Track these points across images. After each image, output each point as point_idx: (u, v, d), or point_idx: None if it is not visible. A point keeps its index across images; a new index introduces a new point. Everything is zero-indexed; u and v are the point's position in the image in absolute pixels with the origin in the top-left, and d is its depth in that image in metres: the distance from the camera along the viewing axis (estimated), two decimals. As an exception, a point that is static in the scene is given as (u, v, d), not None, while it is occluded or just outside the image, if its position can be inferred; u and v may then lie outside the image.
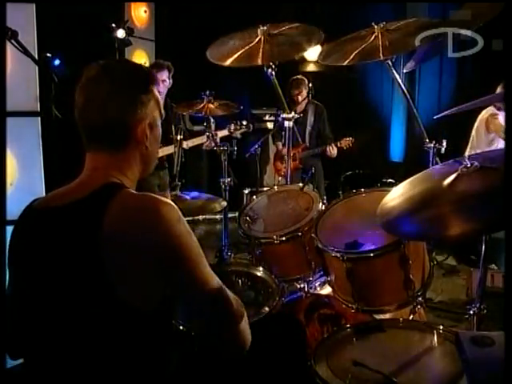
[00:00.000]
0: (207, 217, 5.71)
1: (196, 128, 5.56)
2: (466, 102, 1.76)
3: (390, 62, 2.37)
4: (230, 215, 3.64)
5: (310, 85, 5.30)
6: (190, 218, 5.47)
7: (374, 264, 1.95)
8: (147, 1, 5.92)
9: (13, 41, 2.14)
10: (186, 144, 3.94)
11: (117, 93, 1.26)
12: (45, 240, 1.24)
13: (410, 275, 1.94)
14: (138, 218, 1.18)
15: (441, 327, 1.72)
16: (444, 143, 2.40)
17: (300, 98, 5.01)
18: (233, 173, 3.72)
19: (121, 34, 5.09)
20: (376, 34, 2.37)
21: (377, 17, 2.63)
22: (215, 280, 1.26)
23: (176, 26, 6.09)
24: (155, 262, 1.17)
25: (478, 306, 1.88)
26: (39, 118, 3.00)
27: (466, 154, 3.21)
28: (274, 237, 2.29)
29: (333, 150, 4.88)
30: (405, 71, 3.33)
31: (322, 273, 2.27)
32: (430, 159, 2.40)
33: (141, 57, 5.85)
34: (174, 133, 3.11)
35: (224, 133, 3.95)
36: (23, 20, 2.84)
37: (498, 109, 3.44)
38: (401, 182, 1.81)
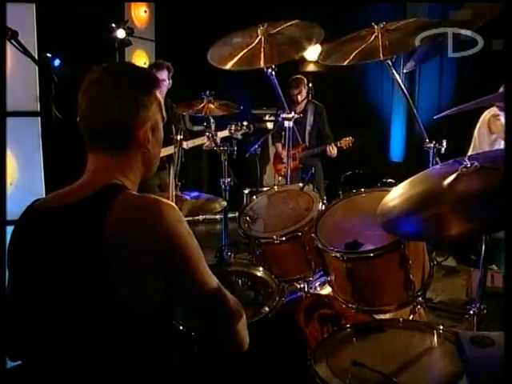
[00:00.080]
0: (207, 217, 5.71)
1: (196, 128, 5.56)
2: (466, 102, 1.76)
3: (389, 62, 2.37)
4: (230, 215, 3.65)
5: (310, 85, 5.30)
6: (190, 218, 5.48)
7: (374, 264, 1.95)
8: (147, 1, 5.92)
9: (13, 41, 2.14)
10: (186, 144, 3.94)
11: (119, 95, 1.27)
12: (45, 240, 1.24)
13: (410, 275, 1.94)
14: (140, 218, 1.19)
15: (441, 327, 1.72)
16: (444, 143, 2.41)
17: (300, 98, 5.01)
18: (233, 173, 3.73)
19: (121, 34, 5.09)
20: (376, 34, 2.37)
21: (377, 17, 2.63)
22: (214, 281, 1.27)
23: (176, 26, 6.09)
24: (156, 262, 1.18)
25: (477, 306, 1.88)
26: (39, 118, 3.00)
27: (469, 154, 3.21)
28: (274, 237, 2.29)
29: (333, 150, 4.88)
30: (405, 71, 3.34)
31: (322, 273, 2.27)
32: (430, 159, 2.40)
33: (141, 57, 5.85)
34: (174, 133, 3.11)
35: (225, 133, 3.95)
36: (23, 20, 2.84)
37: (502, 109, 3.44)
38: (401, 182, 1.81)
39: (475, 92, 2.15)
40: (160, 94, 1.38)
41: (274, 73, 2.72)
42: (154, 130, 1.33)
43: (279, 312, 1.96)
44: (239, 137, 3.86)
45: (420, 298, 2.04)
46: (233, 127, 3.84)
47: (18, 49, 2.18)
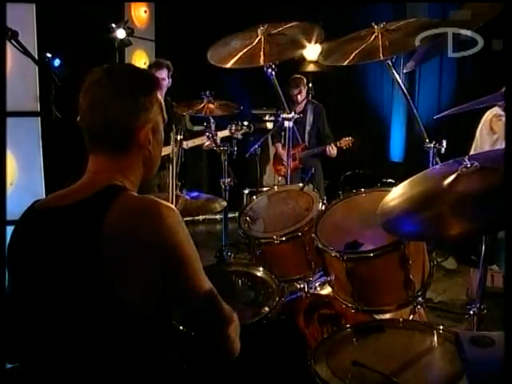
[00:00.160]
0: (207, 217, 5.71)
1: (196, 128, 5.56)
2: (465, 102, 1.76)
3: (389, 62, 2.37)
4: (230, 215, 3.65)
5: (310, 84, 5.30)
6: (190, 218, 5.48)
7: (374, 264, 1.95)
8: (147, 1, 5.92)
9: (13, 41, 2.14)
10: (186, 144, 3.94)
11: (120, 97, 1.27)
12: (45, 240, 1.24)
13: (410, 275, 1.94)
14: (139, 220, 1.19)
15: (441, 327, 1.72)
16: (444, 143, 2.40)
17: (300, 98, 5.01)
18: (233, 173, 3.72)
19: (121, 34, 5.09)
20: (376, 34, 2.36)
21: (377, 17, 2.63)
22: (209, 285, 1.27)
23: (176, 26, 6.09)
24: (154, 263, 1.18)
25: (477, 306, 1.88)
26: (39, 118, 3.01)
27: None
28: (274, 237, 2.29)
29: (332, 150, 4.88)
30: (405, 71, 3.34)
31: (322, 273, 2.27)
32: (430, 159, 2.40)
33: (141, 57, 5.85)
34: (174, 132, 3.11)
35: (225, 133, 3.94)
36: (23, 20, 2.84)
37: (504, 109, 3.44)
38: (401, 182, 1.81)
39: (475, 92, 2.16)
40: (160, 94, 1.38)
41: (274, 73, 2.72)
42: (154, 132, 1.33)
43: (279, 312, 1.96)
44: (239, 137, 3.86)
45: (420, 298, 2.04)
46: (233, 127, 3.83)
47: (17, 49, 2.18)
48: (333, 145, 4.88)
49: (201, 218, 5.73)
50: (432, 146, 2.40)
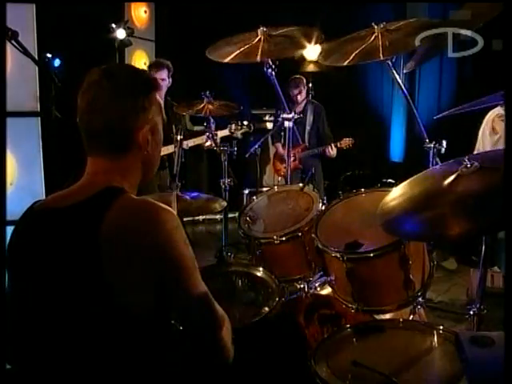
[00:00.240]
0: (207, 217, 5.71)
1: (196, 128, 5.56)
2: (466, 102, 1.76)
3: (390, 63, 2.37)
4: (230, 215, 3.65)
5: (310, 85, 5.30)
6: (190, 218, 5.49)
7: (374, 264, 1.95)
8: (147, 1, 5.92)
9: (13, 41, 2.14)
10: (186, 144, 3.94)
11: (118, 98, 1.26)
12: (45, 241, 1.24)
13: (410, 275, 1.94)
14: (138, 222, 1.19)
15: (441, 327, 1.72)
16: (444, 143, 2.40)
17: (300, 98, 5.01)
18: (233, 173, 3.73)
19: (121, 34, 5.09)
20: (376, 34, 2.36)
21: (377, 17, 2.63)
22: (203, 287, 1.27)
23: (176, 26, 6.09)
24: (152, 265, 1.18)
25: (478, 306, 1.88)
26: (39, 118, 3.01)
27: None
28: (274, 237, 2.29)
29: (332, 151, 4.89)
30: (405, 71, 3.33)
31: (321, 273, 2.27)
32: (430, 159, 2.40)
33: (141, 57, 5.85)
34: (174, 132, 3.11)
35: (225, 133, 3.95)
36: (23, 20, 2.84)
37: None
38: (401, 182, 1.81)
39: (475, 92, 2.15)
40: (160, 94, 1.38)
41: (274, 73, 2.72)
42: (153, 132, 1.33)
43: (279, 312, 1.96)
44: (239, 136, 3.87)
45: (420, 299, 2.04)
46: (233, 126, 3.84)
47: (17, 49, 2.18)
48: (333, 145, 4.88)
49: (201, 218, 5.74)
50: (432, 146, 2.40)
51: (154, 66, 4.07)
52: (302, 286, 2.30)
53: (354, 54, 2.37)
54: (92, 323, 1.18)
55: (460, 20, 2.15)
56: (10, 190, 2.91)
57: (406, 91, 2.58)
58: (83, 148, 1.33)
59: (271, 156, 5.74)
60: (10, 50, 2.24)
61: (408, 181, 1.78)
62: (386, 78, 5.96)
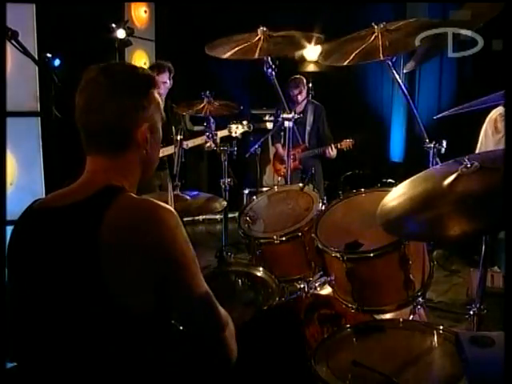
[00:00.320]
0: (207, 217, 5.71)
1: (196, 128, 5.56)
2: (466, 102, 1.76)
3: (390, 62, 2.37)
4: (230, 215, 3.65)
5: (310, 85, 5.29)
6: (190, 218, 5.48)
7: (374, 264, 1.95)
8: (147, 1, 5.92)
9: (13, 41, 2.14)
10: (186, 144, 3.94)
11: (116, 96, 1.26)
12: (44, 241, 1.24)
13: (410, 275, 1.94)
14: (138, 221, 1.19)
15: (441, 327, 1.72)
16: (444, 143, 2.40)
17: (300, 98, 5.01)
18: (233, 173, 3.73)
19: (121, 34, 5.08)
20: (376, 34, 2.36)
21: (377, 17, 2.63)
22: (205, 287, 1.27)
23: (176, 26, 6.09)
24: (152, 264, 1.18)
25: (478, 306, 1.88)
26: (39, 118, 3.01)
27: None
28: (274, 237, 2.29)
29: (332, 152, 4.89)
30: (405, 71, 3.33)
31: (321, 273, 2.27)
32: (430, 159, 2.40)
33: (141, 57, 5.84)
34: (174, 133, 3.11)
35: (224, 133, 3.95)
36: (23, 20, 2.84)
37: None
38: (401, 182, 1.81)
39: (475, 92, 2.15)
40: (160, 95, 1.37)
41: (274, 72, 2.72)
42: (152, 131, 1.32)
43: (279, 312, 1.96)
44: (239, 136, 3.86)
45: (420, 299, 2.04)
46: (233, 126, 3.84)
47: (17, 49, 2.18)
48: (333, 146, 4.89)
49: (201, 218, 5.73)
50: (432, 146, 2.40)
51: (156, 68, 4.06)
52: (302, 285, 2.29)
53: (354, 54, 2.37)
54: (91, 323, 1.17)
55: (460, 20, 2.15)
56: (9, 189, 2.91)
57: (406, 91, 2.58)
58: (83, 148, 1.32)
59: (271, 156, 5.74)
60: (10, 50, 2.24)
61: (408, 181, 1.77)
62: (386, 78, 5.95)
